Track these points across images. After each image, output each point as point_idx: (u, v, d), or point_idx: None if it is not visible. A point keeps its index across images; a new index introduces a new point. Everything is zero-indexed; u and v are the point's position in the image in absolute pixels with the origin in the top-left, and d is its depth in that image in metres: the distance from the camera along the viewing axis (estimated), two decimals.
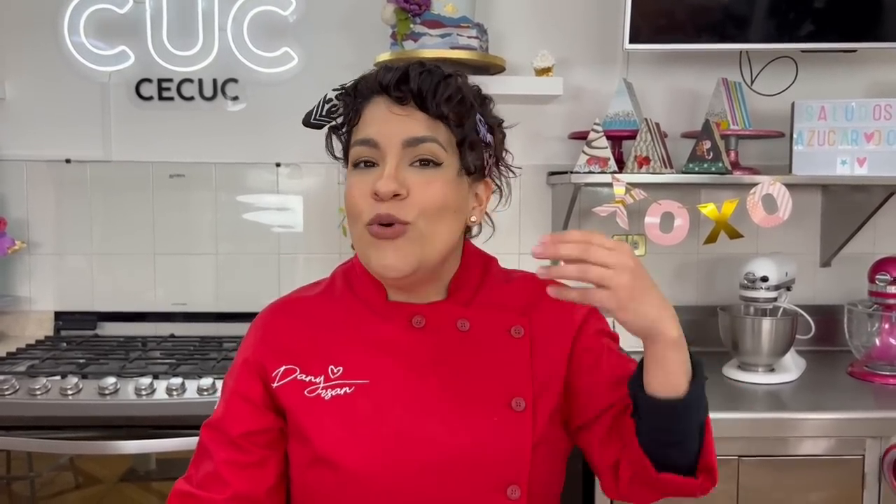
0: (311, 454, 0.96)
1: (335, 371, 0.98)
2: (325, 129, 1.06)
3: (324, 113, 1.02)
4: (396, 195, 0.93)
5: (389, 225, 0.93)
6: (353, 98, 0.99)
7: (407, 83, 0.95)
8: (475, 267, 1.06)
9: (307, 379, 0.98)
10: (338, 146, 1.05)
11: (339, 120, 1.03)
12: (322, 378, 0.98)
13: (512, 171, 1.08)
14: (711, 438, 0.93)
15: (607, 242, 0.82)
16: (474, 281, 1.05)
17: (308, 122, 1.05)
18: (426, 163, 0.95)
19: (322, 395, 0.97)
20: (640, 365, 0.91)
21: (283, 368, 0.99)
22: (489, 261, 1.10)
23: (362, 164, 0.96)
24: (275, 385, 0.99)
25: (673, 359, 0.87)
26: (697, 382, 0.89)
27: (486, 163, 1.02)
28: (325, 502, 0.96)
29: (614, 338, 1.07)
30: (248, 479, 0.97)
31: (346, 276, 1.07)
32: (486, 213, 1.07)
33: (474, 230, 1.07)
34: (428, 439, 0.94)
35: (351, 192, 0.97)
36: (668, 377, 0.87)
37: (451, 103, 0.96)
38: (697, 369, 0.90)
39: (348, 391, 0.96)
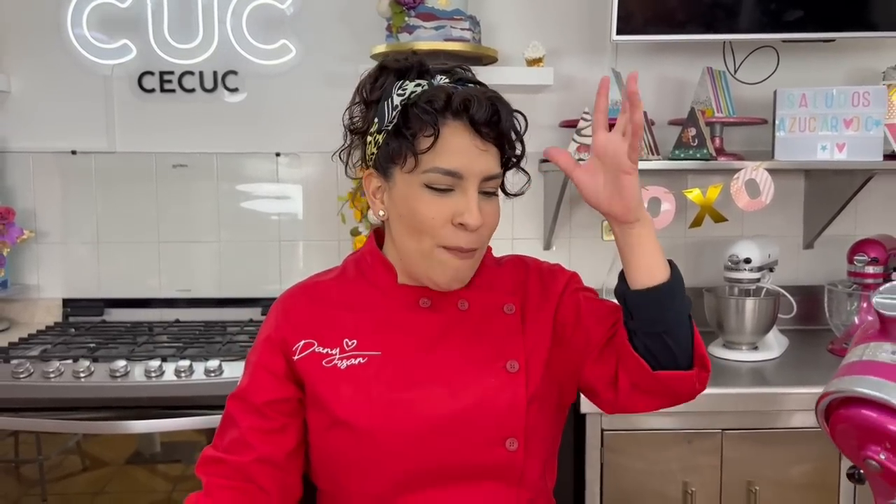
0: (329, 419, 1.05)
1: (350, 344, 1.08)
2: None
3: (393, 118, 1.04)
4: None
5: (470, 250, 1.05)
6: (434, 114, 1.01)
7: (499, 124, 1.04)
8: None
9: (324, 351, 1.07)
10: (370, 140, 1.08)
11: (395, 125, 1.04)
12: (338, 350, 1.07)
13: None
14: (698, 334, 1.04)
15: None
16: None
17: (381, 128, 1.06)
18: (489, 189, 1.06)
19: (338, 365, 1.06)
20: (622, 275, 1.03)
21: (302, 343, 1.08)
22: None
23: (437, 187, 1.03)
24: (295, 358, 1.08)
25: (650, 239, 1.00)
26: (675, 267, 1.02)
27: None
28: (344, 461, 1.05)
29: (592, 291, 1.17)
30: (271, 444, 1.07)
31: (357, 264, 1.16)
32: None
33: None
34: (435, 400, 1.04)
35: (425, 212, 1.03)
36: (649, 259, 0.99)
37: (518, 140, 1.09)
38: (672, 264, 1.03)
39: (362, 361, 1.06)
